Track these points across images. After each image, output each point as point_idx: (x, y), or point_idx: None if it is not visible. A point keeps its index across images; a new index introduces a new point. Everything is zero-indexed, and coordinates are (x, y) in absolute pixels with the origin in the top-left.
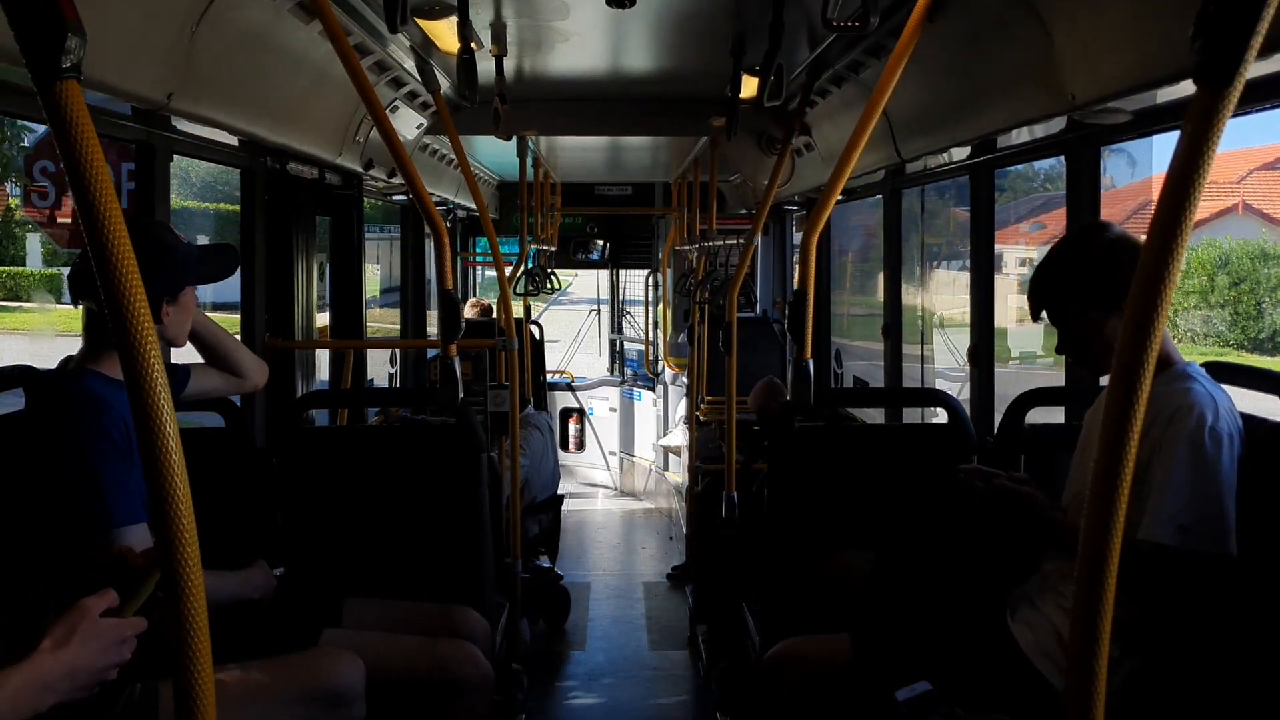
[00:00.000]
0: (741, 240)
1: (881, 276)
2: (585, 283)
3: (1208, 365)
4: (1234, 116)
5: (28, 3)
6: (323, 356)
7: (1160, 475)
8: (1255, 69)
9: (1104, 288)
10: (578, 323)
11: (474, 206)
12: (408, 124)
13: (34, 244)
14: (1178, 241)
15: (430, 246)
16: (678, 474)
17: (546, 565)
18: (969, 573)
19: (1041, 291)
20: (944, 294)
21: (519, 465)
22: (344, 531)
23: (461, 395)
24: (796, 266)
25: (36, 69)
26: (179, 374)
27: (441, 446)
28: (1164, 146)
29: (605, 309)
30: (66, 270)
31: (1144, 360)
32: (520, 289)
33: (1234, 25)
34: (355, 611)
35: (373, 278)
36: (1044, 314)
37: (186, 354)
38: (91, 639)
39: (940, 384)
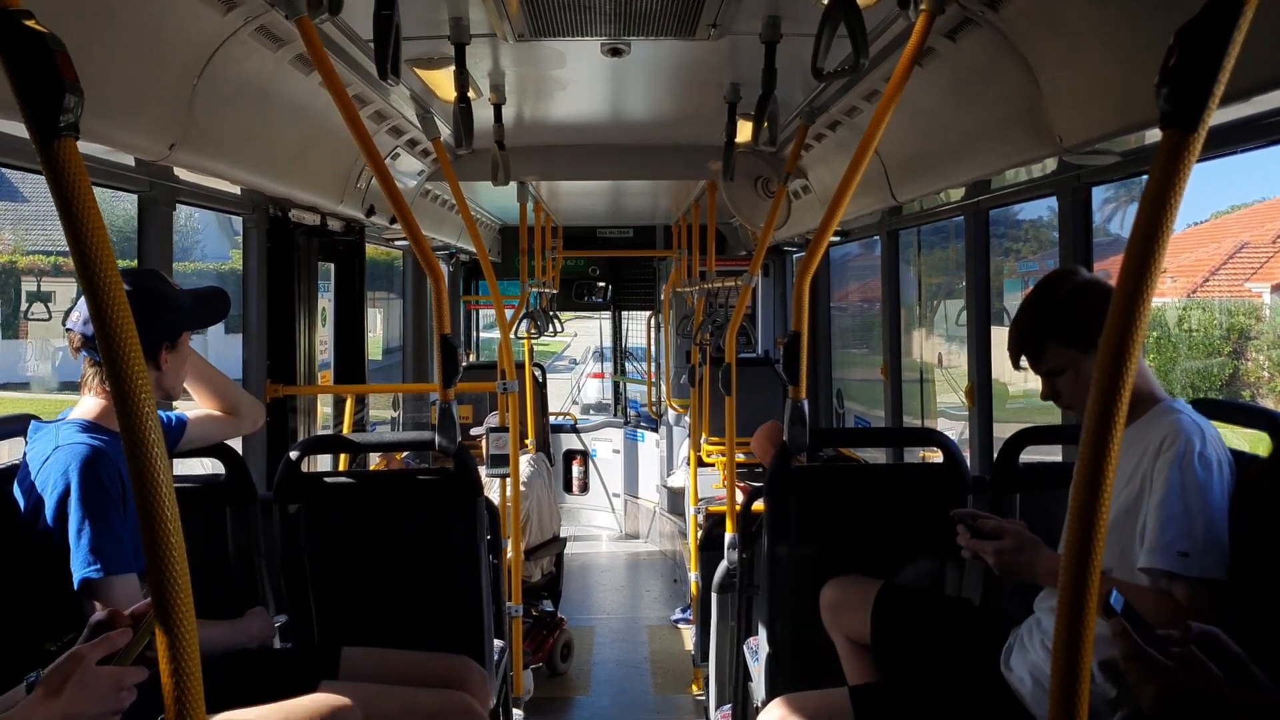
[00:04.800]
0: (741, 281)
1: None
2: (583, 343)
3: (1194, 402)
4: (1202, 160)
5: (28, 64)
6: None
7: (1155, 503)
8: (1226, 114)
9: (1076, 330)
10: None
11: (476, 250)
12: (409, 171)
13: None
14: (1148, 283)
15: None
16: (681, 515)
17: (550, 609)
18: (964, 621)
19: (1018, 340)
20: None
21: (519, 508)
22: (343, 577)
23: (460, 439)
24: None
25: (35, 127)
26: (176, 423)
27: (440, 491)
28: None
29: (594, 367)
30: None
31: (1118, 398)
32: (521, 332)
33: (1197, 74)
34: (351, 661)
35: (373, 337)
36: (1024, 361)
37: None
38: (86, 687)
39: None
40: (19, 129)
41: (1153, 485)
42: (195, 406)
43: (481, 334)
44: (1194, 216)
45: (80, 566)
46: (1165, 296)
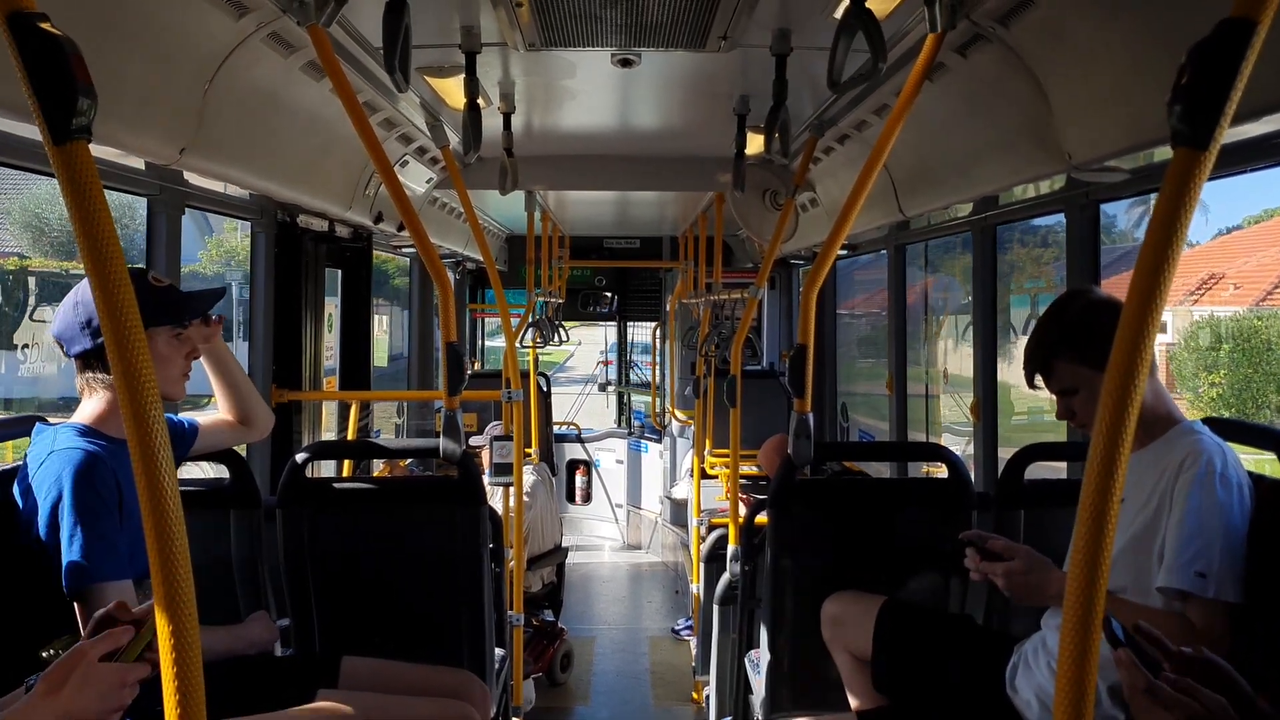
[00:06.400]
0: (747, 293)
1: None
2: (586, 356)
3: (1205, 421)
4: (1216, 178)
5: (43, 66)
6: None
7: (1174, 521)
8: (1238, 132)
9: (1087, 348)
10: (583, 402)
11: (482, 259)
12: (418, 178)
13: None
14: (1157, 301)
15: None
16: (684, 527)
17: (550, 619)
18: (967, 638)
19: (1031, 358)
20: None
21: (522, 517)
22: (346, 583)
23: (464, 447)
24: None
25: (49, 129)
26: (189, 428)
27: (443, 498)
28: None
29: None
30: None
31: (1126, 415)
32: (527, 341)
33: (1209, 93)
34: (351, 670)
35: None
36: (1038, 380)
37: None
38: (89, 683)
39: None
40: (12, 126)
41: (1172, 505)
42: (206, 413)
43: (487, 342)
44: (1225, 221)
45: (71, 572)
46: (1231, 305)
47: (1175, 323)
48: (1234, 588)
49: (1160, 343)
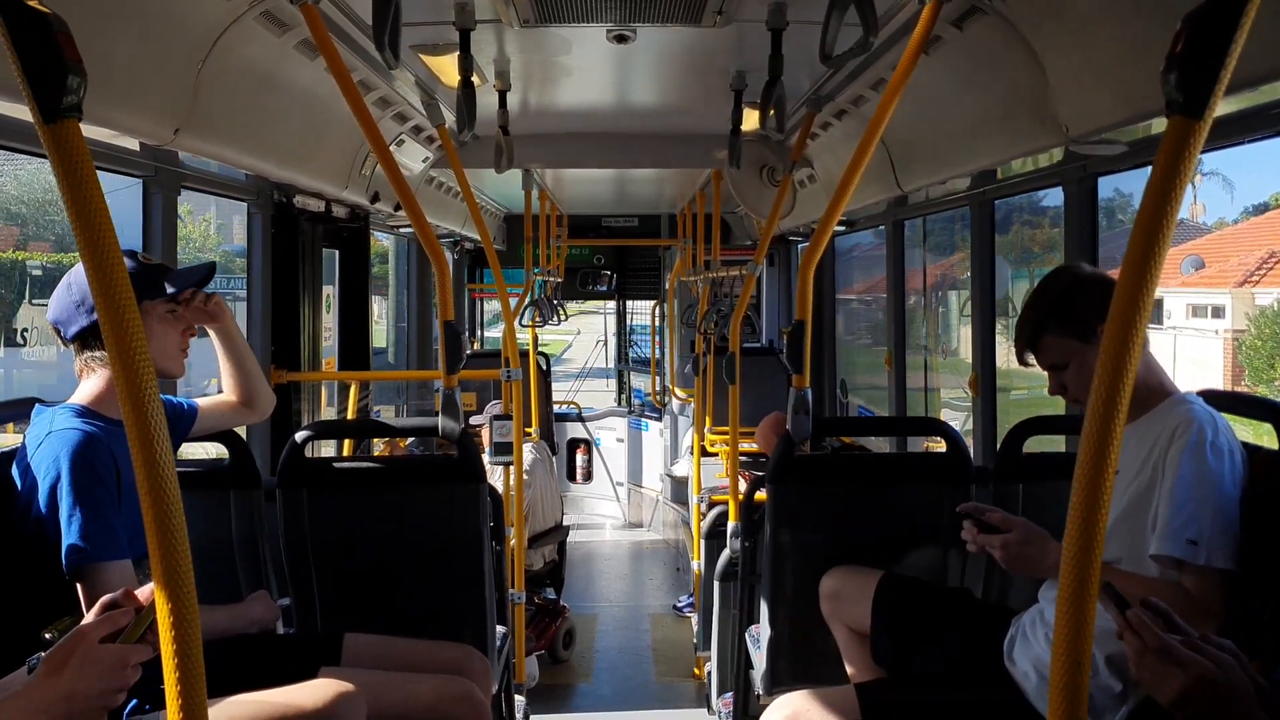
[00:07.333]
0: (745, 270)
1: None
2: (584, 347)
3: (1201, 392)
4: (1207, 151)
5: (31, 44)
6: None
7: (1166, 489)
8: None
9: (1074, 321)
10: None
11: (480, 238)
12: (414, 157)
13: None
14: (1152, 271)
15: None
16: (685, 504)
17: (552, 597)
18: (965, 611)
19: (1020, 334)
20: None
21: (522, 495)
22: (346, 562)
23: (462, 426)
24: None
25: (39, 108)
26: (188, 410)
27: (443, 477)
28: None
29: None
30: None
31: (1121, 386)
32: (526, 320)
33: (1204, 61)
34: (353, 648)
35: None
36: (1030, 358)
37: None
38: (89, 664)
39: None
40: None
41: (1164, 473)
42: (206, 395)
43: (487, 332)
44: (1251, 199)
45: (70, 552)
46: None
47: (1235, 307)
48: (1226, 555)
49: (1224, 329)
